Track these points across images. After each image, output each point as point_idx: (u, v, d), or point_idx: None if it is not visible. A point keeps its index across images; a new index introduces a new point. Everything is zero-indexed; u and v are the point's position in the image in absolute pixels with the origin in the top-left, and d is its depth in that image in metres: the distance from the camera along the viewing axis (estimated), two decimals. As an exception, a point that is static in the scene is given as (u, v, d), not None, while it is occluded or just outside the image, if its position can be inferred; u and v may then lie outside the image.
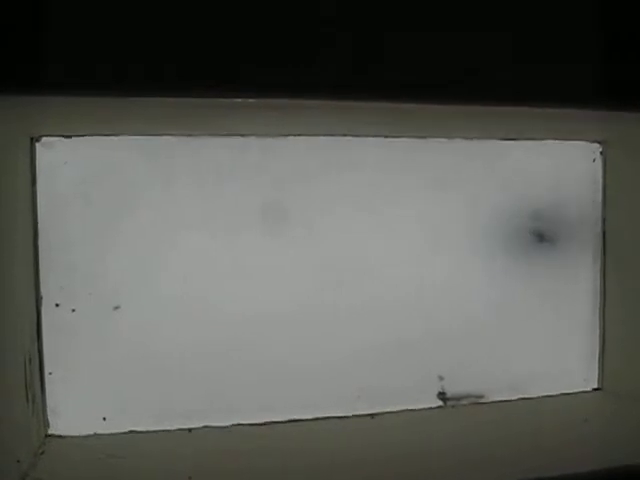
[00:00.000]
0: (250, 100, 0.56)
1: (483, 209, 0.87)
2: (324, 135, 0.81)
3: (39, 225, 0.74)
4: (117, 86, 0.53)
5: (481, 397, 0.87)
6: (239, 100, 0.56)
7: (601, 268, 0.91)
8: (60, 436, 0.75)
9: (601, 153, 0.91)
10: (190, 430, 0.77)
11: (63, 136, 0.74)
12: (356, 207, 0.84)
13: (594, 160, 0.91)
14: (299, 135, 0.80)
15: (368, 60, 0.60)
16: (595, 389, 0.92)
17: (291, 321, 0.82)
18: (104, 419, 0.77)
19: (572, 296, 0.92)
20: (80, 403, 0.76)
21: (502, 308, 0.89)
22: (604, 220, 0.91)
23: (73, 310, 0.76)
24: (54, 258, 0.75)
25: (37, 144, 0.74)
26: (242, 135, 0.79)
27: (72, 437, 0.76)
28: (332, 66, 0.58)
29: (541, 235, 0.89)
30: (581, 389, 0.91)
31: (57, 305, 0.75)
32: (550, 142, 0.88)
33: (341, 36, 0.59)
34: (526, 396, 0.88)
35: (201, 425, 0.78)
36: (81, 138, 0.75)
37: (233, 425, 0.79)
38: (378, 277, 0.85)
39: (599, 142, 0.90)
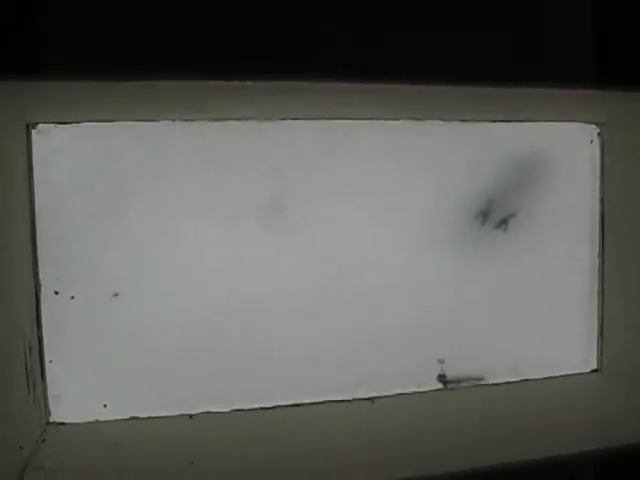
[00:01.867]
0: (248, 83, 0.56)
1: (477, 192, 0.87)
2: (322, 118, 0.81)
3: (37, 213, 0.74)
4: (114, 70, 0.53)
5: (481, 379, 0.87)
6: (236, 83, 0.56)
7: (599, 249, 0.91)
8: (62, 423, 0.76)
9: (599, 134, 0.90)
10: (191, 416, 0.77)
11: (59, 123, 0.74)
12: (354, 192, 0.83)
13: (591, 141, 0.90)
14: (296, 119, 0.80)
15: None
16: (593, 370, 0.92)
17: (289, 309, 0.82)
18: (105, 406, 0.77)
19: (571, 279, 0.92)
20: (81, 390, 0.77)
21: (502, 290, 0.89)
22: (602, 201, 0.91)
23: (72, 297, 0.76)
24: (53, 246, 0.75)
25: (33, 131, 0.73)
26: (240, 119, 0.78)
27: (73, 424, 0.76)
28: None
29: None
30: (580, 370, 0.91)
31: (56, 293, 0.75)
32: (547, 123, 0.88)
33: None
34: (526, 378, 0.88)
35: (202, 411, 0.78)
36: (78, 125, 0.74)
37: (233, 410, 0.79)
38: (376, 263, 0.85)
39: (596, 123, 0.90)
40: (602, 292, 0.92)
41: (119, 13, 0.53)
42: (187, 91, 0.63)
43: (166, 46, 0.54)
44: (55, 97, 0.65)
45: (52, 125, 0.74)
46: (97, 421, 0.76)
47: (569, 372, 0.90)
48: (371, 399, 0.83)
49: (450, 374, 0.87)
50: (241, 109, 0.75)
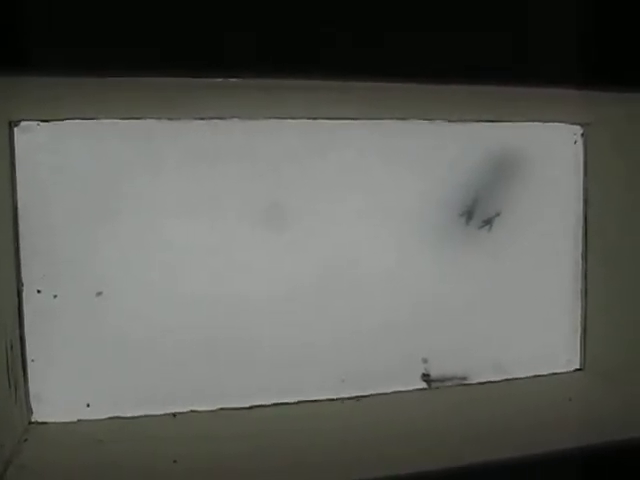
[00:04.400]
0: (233, 80, 0.56)
1: (461, 191, 0.88)
2: (309, 118, 0.81)
3: (20, 211, 0.73)
4: (98, 66, 0.53)
5: (465, 378, 0.88)
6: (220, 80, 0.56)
7: (583, 250, 0.92)
8: (44, 423, 0.75)
9: (582, 135, 0.91)
10: (175, 415, 0.77)
11: (42, 120, 0.73)
12: (340, 192, 0.84)
13: (575, 142, 0.91)
14: (283, 118, 0.80)
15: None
16: (577, 369, 0.93)
17: (274, 308, 0.82)
18: (88, 405, 0.77)
19: (554, 279, 0.92)
20: (63, 390, 0.76)
21: (485, 290, 0.89)
22: (586, 202, 0.91)
23: (55, 296, 0.75)
24: (35, 244, 0.74)
25: (15, 129, 0.73)
26: (225, 118, 0.78)
27: (56, 424, 0.75)
28: (321, 64, 0.58)
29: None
30: (563, 369, 0.92)
31: (39, 291, 0.75)
32: (531, 124, 0.89)
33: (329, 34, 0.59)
34: (509, 377, 0.89)
35: (186, 410, 0.78)
36: (62, 122, 0.74)
37: (218, 409, 0.79)
38: (360, 262, 0.85)
39: (580, 124, 0.91)
40: (585, 291, 0.92)
41: (104, 8, 0.53)
42: (173, 89, 0.63)
43: (154, 42, 0.54)
44: (38, 94, 0.64)
45: (35, 123, 0.73)
46: (80, 420, 0.76)
47: (552, 371, 0.91)
48: (356, 398, 0.83)
49: (434, 373, 0.87)
50: (228, 108, 0.75)
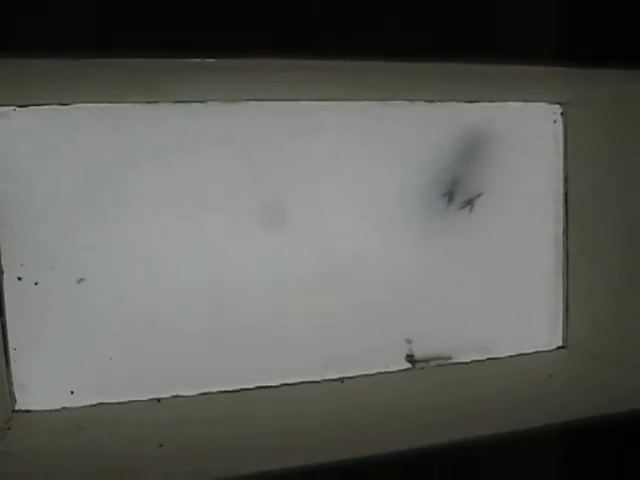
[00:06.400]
0: (210, 60, 0.55)
1: (441, 172, 0.88)
2: (288, 100, 0.81)
3: (-3, 198, 0.73)
4: (77, 48, 0.52)
5: (449, 358, 0.88)
6: (198, 60, 0.55)
7: (564, 228, 0.93)
8: (27, 411, 0.75)
9: (562, 114, 0.91)
10: (159, 400, 0.77)
11: (19, 106, 0.73)
12: (321, 174, 0.83)
13: (555, 121, 0.91)
14: (262, 100, 0.79)
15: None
16: (559, 347, 0.94)
17: (257, 292, 0.82)
18: (72, 392, 0.76)
19: (536, 258, 0.93)
20: (47, 377, 0.76)
21: (468, 270, 0.90)
22: (566, 180, 0.92)
23: (36, 283, 0.75)
24: (15, 232, 0.74)
25: (-9, 114, 0.72)
26: (203, 101, 0.78)
27: (40, 412, 0.75)
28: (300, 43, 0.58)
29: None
30: (546, 348, 0.93)
31: (19, 279, 0.74)
32: (511, 104, 0.89)
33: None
34: (493, 356, 0.89)
35: (170, 395, 0.78)
36: (37, 107, 0.73)
37: (202, 394, 0.79)
38: (343, 244, 0.85)
39: (559, 103, 0.91)
40: (567, 271, 0.93)
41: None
42: (151, 72, 0.62)
43: (133, 23, 0.53)
44: (13, 79, 0.63)
45: (12, 108, 0.73)
46: (64, 408, 0.76)
47: (536, 349, 0.92)
48: (340, 379, 0.83)
49: (418, 354, 0.87)
50: (206, 90, 0.75)
